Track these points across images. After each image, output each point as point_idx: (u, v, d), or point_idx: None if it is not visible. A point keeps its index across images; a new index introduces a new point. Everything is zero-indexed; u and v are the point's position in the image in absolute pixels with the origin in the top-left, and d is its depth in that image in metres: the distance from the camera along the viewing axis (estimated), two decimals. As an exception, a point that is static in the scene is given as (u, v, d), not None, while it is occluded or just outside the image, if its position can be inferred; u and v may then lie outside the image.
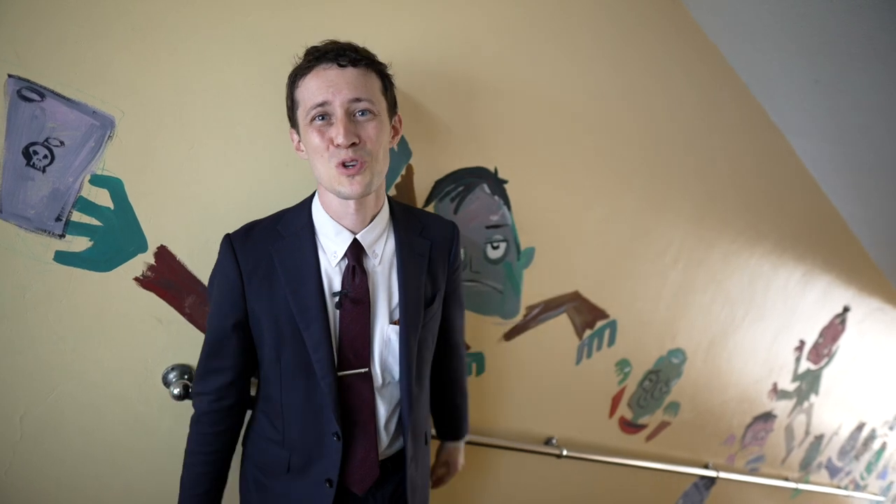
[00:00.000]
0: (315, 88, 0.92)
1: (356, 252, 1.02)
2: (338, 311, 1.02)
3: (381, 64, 0.99)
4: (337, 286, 1.02)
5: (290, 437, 1.07)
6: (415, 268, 1.08)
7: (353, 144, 0.92)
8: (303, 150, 0.99)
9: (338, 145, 0.91)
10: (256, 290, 1.00)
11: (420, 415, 1.16)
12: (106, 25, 0.95)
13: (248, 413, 1.17)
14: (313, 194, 1.07)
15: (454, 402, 1.39)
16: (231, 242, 1.00)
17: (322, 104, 0.92)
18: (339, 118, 0.91)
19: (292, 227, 1.03)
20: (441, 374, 1.31)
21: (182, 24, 1.01)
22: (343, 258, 1.02)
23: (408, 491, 1.15)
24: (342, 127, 0.90)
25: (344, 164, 0.92)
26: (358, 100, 0.92)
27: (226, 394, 1.06)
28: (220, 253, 1.02)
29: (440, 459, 1.49)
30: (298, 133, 0.99)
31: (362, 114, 0.94)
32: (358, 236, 1.02)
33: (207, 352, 1.04)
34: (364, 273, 1.03)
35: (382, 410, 1.09)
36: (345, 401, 1.04)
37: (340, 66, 0.92)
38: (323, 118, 0.93)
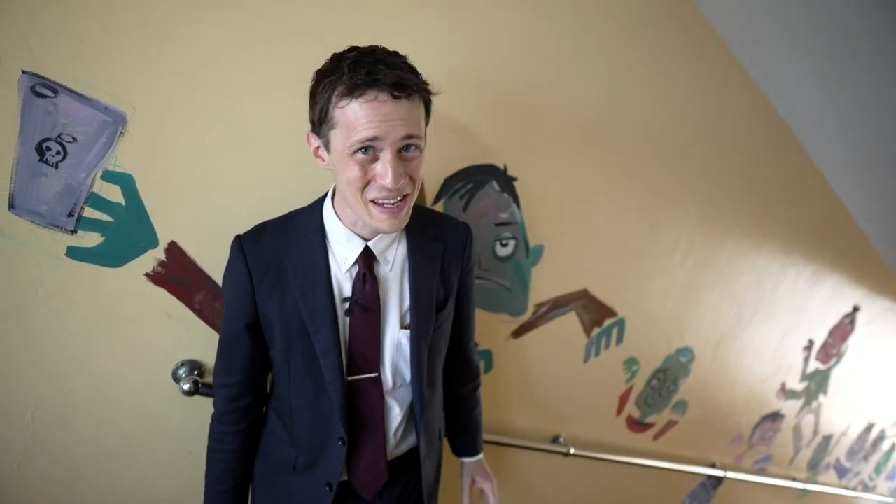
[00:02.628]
0: (365, 120, 0.83)
1: (367, 259, 1.00)
2: (347, 318, 1.01)
3: (429, 91, 0.93)
4: (347, 291, 1.01)
5: (298, 436, 1.07)
6: (427, 272, 1.06)
7: None
8: (323, 159, 0.94)
9: (385, 187, 0.87)
10: (266, 294, 0.99)
11: (433, 414, 1.16)
12: (117, 22, 0.95)
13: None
14: (325, 196, 1.04)
15: (472, 414, 1.33)
16: (241, 245, 0.99)
17: (372, 139, 0.84)
18: (389, 160, 0.86)
19: (303, 230, 1.01)
20: (452, 385, 1.27)
21: (193, 20, 1.01)
22: (354, 265, 1.00)
23: (424, 489, 1.16)
24: (392, 171, 0.86)
25: (382, 202, 0.89)
26: (410, 136, 0.86)
27: (242, 392, 1.06)
28: (230, 255, 1.01)
29: (467, 479, 1.37)
30: (319, 139, 0.92)
31: (407, 149, 0.88)
32: (370, 244, 0.99)
33: (222, 354, 1.05)
34: (375, 280, 1.01)
35: (393, 412, 1.09)
36: (354, 405, 1.04)
37: (395, 97, 0.83)
38: (366, 151, 0.86)
